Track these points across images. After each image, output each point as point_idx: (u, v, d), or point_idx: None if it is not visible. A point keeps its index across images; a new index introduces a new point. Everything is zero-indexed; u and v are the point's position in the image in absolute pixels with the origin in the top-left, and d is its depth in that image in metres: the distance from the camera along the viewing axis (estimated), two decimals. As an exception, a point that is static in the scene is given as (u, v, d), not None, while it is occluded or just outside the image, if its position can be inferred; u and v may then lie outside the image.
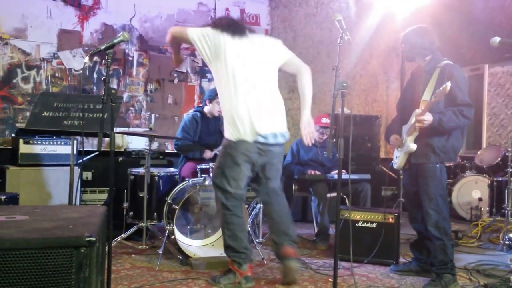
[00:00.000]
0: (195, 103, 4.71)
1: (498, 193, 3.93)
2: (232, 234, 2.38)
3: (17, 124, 4.09)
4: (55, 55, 4.24)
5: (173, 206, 2.87)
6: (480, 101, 4.93)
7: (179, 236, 2.87)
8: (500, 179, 3.97)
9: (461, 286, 2.45)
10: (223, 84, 2.37)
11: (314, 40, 5.21)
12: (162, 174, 3.26)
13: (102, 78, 3.73)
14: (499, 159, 4.18)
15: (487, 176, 4.33)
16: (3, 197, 2.85)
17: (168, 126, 4.64)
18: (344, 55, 4.81)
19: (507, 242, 3.33)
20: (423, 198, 2.44)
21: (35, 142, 3.60)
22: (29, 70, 4.16)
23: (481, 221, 3.96)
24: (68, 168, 2.94)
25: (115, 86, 4.39)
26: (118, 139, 4.40)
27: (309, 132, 2.47)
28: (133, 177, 3.25)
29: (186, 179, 3.09)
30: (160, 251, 2.78)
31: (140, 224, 3.10)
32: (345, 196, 3.46)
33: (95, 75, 4.39)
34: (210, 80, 4.75)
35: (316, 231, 3.45)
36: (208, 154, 3.47)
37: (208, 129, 3.57)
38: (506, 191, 3.59)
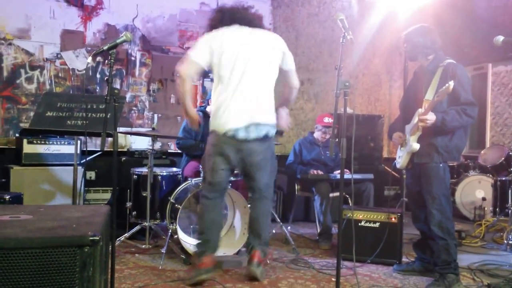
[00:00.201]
0: (197, 103, 4.71)
1: (501, 192, 3.91)
2: (201, 216, 2.45)
3: (21, 124, 4.11)
4: (58, 55, 4.25)
5: (176, 205, 2.88)
6: (484, 100, 4.91)
7: (182, 235, 2.88)
8: (503, 178, 3.95)
9: (464, 286, 2.45)
10: (216, 76, 2.40)
11: (316, 39, 5.20)
12: (165, 173, 3.27)
13: (105, 78, 3.75)
14: (503, 158, 4.17)
15: (490, 175, 4.31)
16: (7, 197, 2.86)
17: (170, 126, 4.65)
18: (347, 54, 4.79)
19: (510, 242, 3.32)
20: (426, 197, 2.43)
21: (39, 142, 3.62)
22: (33, 70, 4.18)
23: (485, 220, 3.95)
24: (72, 167, 2.96)
25: (118, 86, 4.40)
26: (121, 139, 4.42)
27: (287, 121, 2.67)
28: (136, 176, 3.26)
29: (189, 179, 3.09)
30: (163, 251, 2.78)
31: (143, 224, 3.11)
32: (347, 196, 3.45)
33: (98, 75, 4.40)
34: (213, 80, 4.75)
35: (318, 230, 3.44)
36: None
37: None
38: (509, 190, 3.58)
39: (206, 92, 4.70)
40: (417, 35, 2.51)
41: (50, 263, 1.23)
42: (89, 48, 4.32)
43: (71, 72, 4.30)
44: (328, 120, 3.66)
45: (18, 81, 4.13)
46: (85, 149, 3.58)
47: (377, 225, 2.89)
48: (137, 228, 3.12)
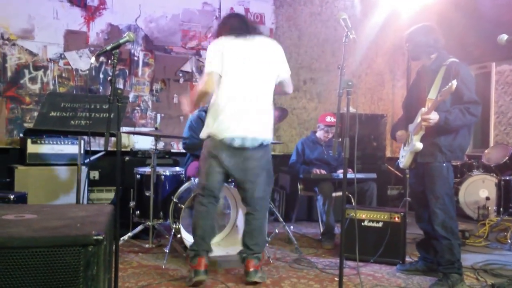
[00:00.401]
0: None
1: (505, 192, 3.89)
2: (195, 221, 2.45)
3: (25, 124, 4.13)
4: (62, 56, 4.27)
5: (179, 205, 2.89)
6: (487, 99, 4.88)
7: (185, 235, 2.88)
8: (507, 178, 3.93)
9: (468, 285, 2.44)
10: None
11: (319, 38, 5.19)
12: (168, 173, 3.28)
13: (108, 78, 3.76)
14: (507, 157, 4.15)
15: (494, 175, 4.29)
16: (12, 196, 2.88)
17: (173, 126, 4.66)
18: (350, 53, 4.78)
19: (515, 241, 3.31)
20: (430, 197, 2.42)
21: (43, 142, 3.65)
22: (36, 70, 4.20)
23: (489, 220, 3.93)
24: (76, 167, 2.97)
25: (121, 86, 4.41)
26: (125, 139, 4.43)
27: None
28: (139, 176, 3.28)
29: (192, 178, 3.10)
30: (166, 250, 2.79)
31: (147, 223, 3.12)
32: (350, 195, 3.45)
33: (101, 75, 4.42)
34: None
35: (321, 230, 3.44)
36: None
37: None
38: (513, 190, 3.56)
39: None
40: (419, 34, 2.50)
41: (55, 262, 1.23)
42: (92, 48, 4.34)
43: (74, 72, 4.31)
44: (330, 119, 3.65)
45: (22, 81, 4.16)
46: (88, 149, 3.59)
47: (380, 224, 2.89)
48: (140, 227, 3.13)
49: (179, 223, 2.80)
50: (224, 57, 2.35)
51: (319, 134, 3.74)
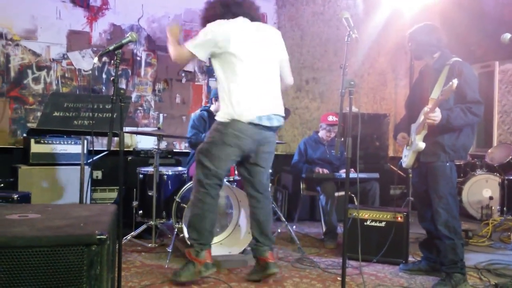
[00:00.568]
0: (202, 103, 4.72)
1: (509, 191, 3.87)
2: (202, 213, 2.32)
3: (29, 124, 4.15)
4: (65, 56, 4.29)
5: (182, 204, 2.89)
6: (491, 98, 4.86)
7: (187, 234, 2.89)
8: (511, 177, 3.92)
9: (471, 285, 2.43)
10: (225, 66, 2.34)
11: (321, 38, 5.18)
12: (170, 173, 3.29)
13: (111, 79, 3.78)
14: (510, 157, 4.13)
15: (498, 174, 4.27)
16: (15, 196, 2.90)
17: (176, 126, 4.67)
18: (352, 53, 4.78)
19: (518, 241, 3.29)
20: (433, 197, 2.42)
21: (46, 141, 3.66)
22: (40, 70, 4.22)
23: (492, 220, 3.92)
24: (79, 167, 2.98)
25: (123, 86, 4.42)
26: (127, 139, 4.44)
27: None
28: (142, 176, 3.28)
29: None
30: (169, 249, 2.80)
31: (150, 223, 3.13)
32: (353, 195, 3.44)
33: (104, 76, 4.43)
34: (217, 79, 4.75)
35: (324, 230, 3.44)
36: None
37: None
38: (517, 189, 3.55)
39: (211, 92, 4.71)
40: (421, 33, 2.49)
41: (58, 261, 1.24)
42: (95, 49, 4.35)
43: (77, 73, 4.33)
44: (332, 118, 3.65)
45: (25, 82, 4.17)
46: (91, 148, 3.61)
47: (383, 224, 2.88)
48: (143, 227, 3.14)
49: (182, 222, 2.81)
50: (237, 40, 2.30)
51: (322, 133, 3.74)
